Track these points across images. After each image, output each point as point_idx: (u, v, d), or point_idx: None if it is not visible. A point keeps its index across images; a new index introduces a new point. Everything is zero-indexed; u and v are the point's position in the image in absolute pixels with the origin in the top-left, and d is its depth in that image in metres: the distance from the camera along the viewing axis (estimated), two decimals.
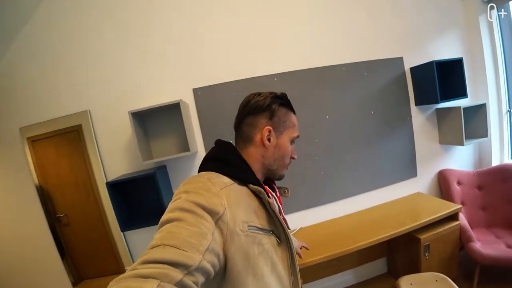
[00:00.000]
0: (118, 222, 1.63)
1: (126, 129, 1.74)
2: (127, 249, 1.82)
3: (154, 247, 0.45)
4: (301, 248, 1.31)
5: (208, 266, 0.48)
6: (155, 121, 1.81)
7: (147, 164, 1.66)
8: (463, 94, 1.99)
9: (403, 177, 2.23)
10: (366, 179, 2.14)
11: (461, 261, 1.93)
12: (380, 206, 2.15)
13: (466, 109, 2.01)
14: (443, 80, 2.00)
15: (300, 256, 1.25)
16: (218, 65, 1.86)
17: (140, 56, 1.79)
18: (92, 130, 1.76)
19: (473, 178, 2.20)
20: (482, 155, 2.39)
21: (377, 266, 2.25)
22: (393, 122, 2.15)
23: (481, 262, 1.73)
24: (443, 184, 2.24)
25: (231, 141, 0.77)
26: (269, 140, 0.73)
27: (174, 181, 1.87)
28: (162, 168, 1.79)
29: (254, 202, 0.66)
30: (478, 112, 2.07)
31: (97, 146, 1.77)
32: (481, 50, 2.19)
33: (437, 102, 1.95)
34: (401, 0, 2.12)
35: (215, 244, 0.52)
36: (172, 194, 1.83)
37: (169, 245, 0.45)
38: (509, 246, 1.76)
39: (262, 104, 0.73)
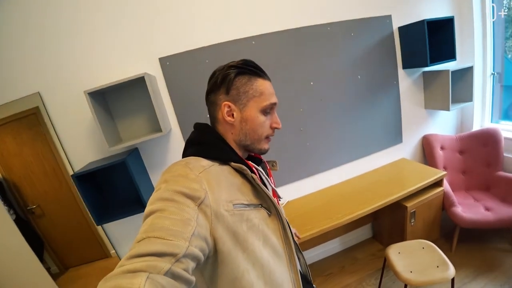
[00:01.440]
0: (92, 216, 1.51)
1: (86, 111, 1.54)
2: (106, 237, 1.77)
3: (140, 241, 0.46)
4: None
5: (196, 251, 0.49)
6: (120, 100, 1.61)
7: (116, 149, 1.51)
8: (451, 56, 1.96)
9: (389, 143, 2.27)
10: (353, 148, 2.15)
11: (441, 222, 2.08)
12: (367, 174, 2.20)
13: (452, 72, 2.00)
14: (430, 41, 1.93)
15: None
16: (187, 29, 1.64)
17: (93, 24, 1.51)
18: (47, 115, 1.54)
19: (455, 142, 2.30)
20: (463, 119, 2.46)
21: (363, 232, 2.38)
22: (380, 87, 2.11)
23: (462, 225, 1.87)
24: (427, 149, 2.32)
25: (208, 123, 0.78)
26: (232, 115, 0.71)
27: (149, 164, 1.75)
28: (134, 152, 1.65)
29: (237, 180, 0.68)
30: (464, 76, 2.08)
31: (56, 132, 1.57)
32: (471, 9, 2.12)
33: (426, 65, 1.91)
34: None
35: (200, 229, 0.53)
36: (148, 178, 1.75)
37: (153, 237, 0.46)
38: (487, 209, 1.91)
39: (217, 79, 0.71)
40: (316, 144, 2.02)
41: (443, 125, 2.42)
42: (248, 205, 0.66)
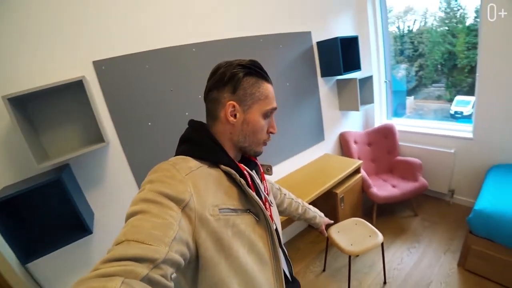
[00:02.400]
0: (15, 253, 1.23)
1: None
2: (31, 279, 1.41)
3: (118, 243, 0.45)
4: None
5: (177, 257, 0.48)
6: (44, 108, 1.39)
7: (43, 167, 1.28)
8: (358, 67, 2.45)
9: (314, 141, 2.63)
10: (285, 148, 2.39)
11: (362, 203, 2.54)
12: (299, 170, 2.48)
13: (359, 80, 2.49)
14: (342, 54, 2.36)
15: (323, 234, 1.34)
16: (125, 32, 1.53)
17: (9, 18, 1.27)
18: None
19: (364, 137, 2.85)
20: (368, 118, 3.09)
21: (300, 223, 2.65)
22: (304, 93, 2.44)
23: (378, 202, 2.35)
24: (343, 144, 2.79)
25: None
26: (235, 116, 0.69)
27: (84, 183, 1.54)
28: (64, 169, 1.43)
29: (226, 183, 0.66)
30: (366, 83, 2.62)
31: None
32: (367, 30, 2.72)
33: (341, 74, 2.33)
34: None
35: (182, 233, 0.52)
36: (85, 199, 1.56)
37: (133, 240, 0.45)
38: (393, 186, 2.46)
39: (224, 76, 0.69)
40: None
41: (354, 123, 2.96)
42: (235, 210, 0.65)
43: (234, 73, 0.68)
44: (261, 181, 0.82)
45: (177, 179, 0.57)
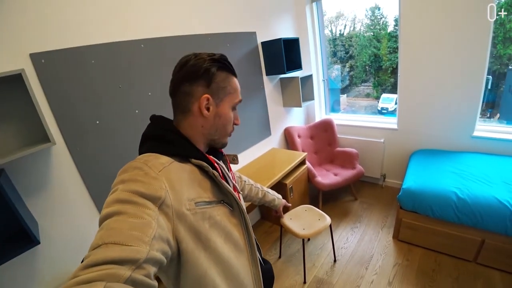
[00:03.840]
0: None
1: None
2: None
3: (95, 248, 0.45)
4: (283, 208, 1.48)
5: (158, 255, 0.49)
6: None
7: None
8: (299, 67, 2.74)
9: (262, 137, 2.84)
10: (235, 144, 2.55)
11: (308, 191, 2.86)
12: (250, 164, 2.67)
13: (300, 78, 2.78)
14: (285, 54, 2.62)
15: (281, 216, 1.51)
16: (68, 23, 1.48)
17: None
18: None
19: (306, 131, 3.19)
20: (309, 113, 3.45)
21: (252, 216, 2.85)
22: (252, 91, 2.63)
23: (323, 189, 2.68)
24: (288, 138, 3.09)
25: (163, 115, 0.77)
26: (208, 109, 0.72)
27: (24, 190, 1.44)
28: (0, 175, 1.33)
29: (198, 177, 0.68)
30: (307, 81, 2.94)
31: None
32: (306, 32, 3.05)
33: (284, 73, 2.58)
34: None
35: (162, 231, 0.53)
36: (26, 207, 1.48)
37: (111, 243, 0.45)
38: (335, 174, 2.83)
39: (198, 69, 0.70)
40: None
41: (297, 118, 3.28)
42: (210, 202, 0.67)
43: (208, 67, 0.70)
44: (229, 171, 0.88)
45: (151, 176, 0.57)
